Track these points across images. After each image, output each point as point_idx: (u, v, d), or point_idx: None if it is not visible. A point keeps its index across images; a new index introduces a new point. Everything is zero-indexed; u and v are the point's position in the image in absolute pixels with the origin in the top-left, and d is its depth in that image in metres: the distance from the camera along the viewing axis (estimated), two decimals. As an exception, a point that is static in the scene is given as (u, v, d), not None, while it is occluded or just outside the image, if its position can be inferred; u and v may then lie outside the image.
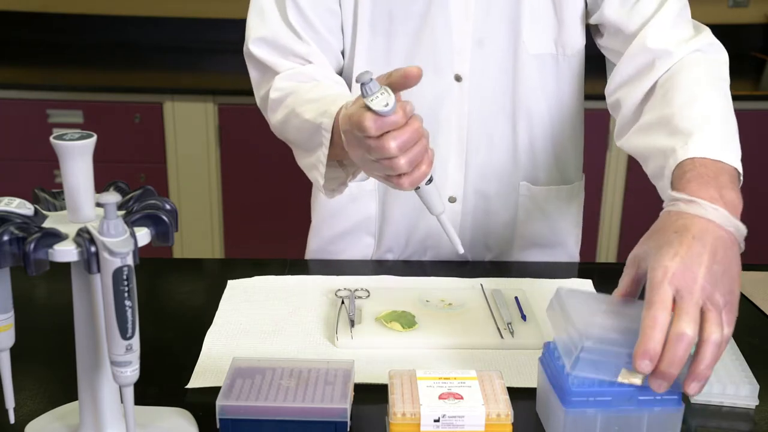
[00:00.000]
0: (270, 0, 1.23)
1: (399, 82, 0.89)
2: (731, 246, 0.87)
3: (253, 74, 1.28)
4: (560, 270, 1.36)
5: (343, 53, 1.28)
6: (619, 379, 0.82)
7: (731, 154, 0.97)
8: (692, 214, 0.86)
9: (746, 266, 1.30)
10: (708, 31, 1.16)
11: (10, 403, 0.81)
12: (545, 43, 1.25)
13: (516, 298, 1.16)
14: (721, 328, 0.79)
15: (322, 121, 1.07)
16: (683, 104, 1.02)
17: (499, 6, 1.23)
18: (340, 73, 1.28)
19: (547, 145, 1.31)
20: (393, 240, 1.37)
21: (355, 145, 0.94)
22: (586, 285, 1.24)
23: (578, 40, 1.26)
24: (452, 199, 1.31)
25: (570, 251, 1.43)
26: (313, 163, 1.12)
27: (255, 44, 1.24)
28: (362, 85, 0.87)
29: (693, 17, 1.19)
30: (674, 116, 1.01)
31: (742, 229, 0.90)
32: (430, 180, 0.97)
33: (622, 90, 1.16)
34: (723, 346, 0.79)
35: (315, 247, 1.43)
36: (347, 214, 1.37)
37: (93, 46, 3.28)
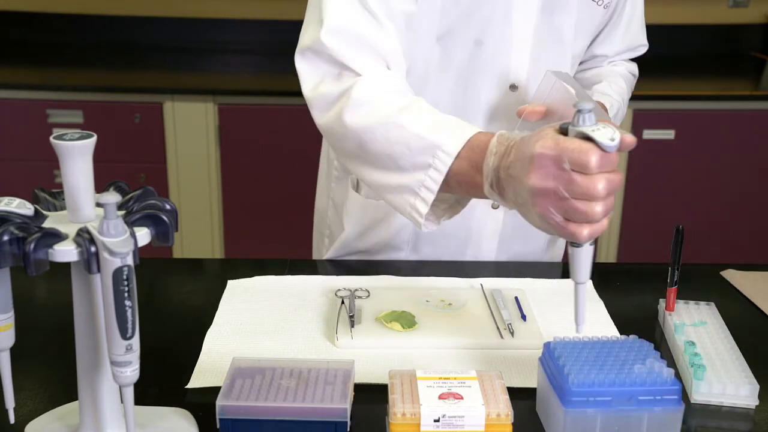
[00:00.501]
0: None
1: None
2: None
3: (311, 68, 1.12)
4: (562, 270, 1.36)
5: None
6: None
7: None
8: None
9: (746, 266, 1.31)
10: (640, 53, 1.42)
11: (10, 403, 0.81)
12: (579, 52, 1.32)
13: (516, 298, 1.16)
14: None
15: (445, 142, 0.96)
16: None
17: (554, 21, 1.23)
18: None
19: None
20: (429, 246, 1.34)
21: (547, 175, 0.82)
22: (586, 285, 1.24)
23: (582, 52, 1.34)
24: (495, 206, 1.31)
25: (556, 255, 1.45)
26: (409, 186, 0.99)
27: (328, 33, 1.08)
28: (579, 111, 0.80)
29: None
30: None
31: None
32: (594, 242, 0.87)
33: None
34: None
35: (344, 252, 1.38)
36: (382, 226, 1.33)
37: (93, 46, 3.28)
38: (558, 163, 0.81)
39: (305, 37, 1.12)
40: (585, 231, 0.82)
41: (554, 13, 1.22)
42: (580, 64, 1.37)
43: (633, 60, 1.42)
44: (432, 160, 0.96)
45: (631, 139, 0.82)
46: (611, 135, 0.79)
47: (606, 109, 1.22)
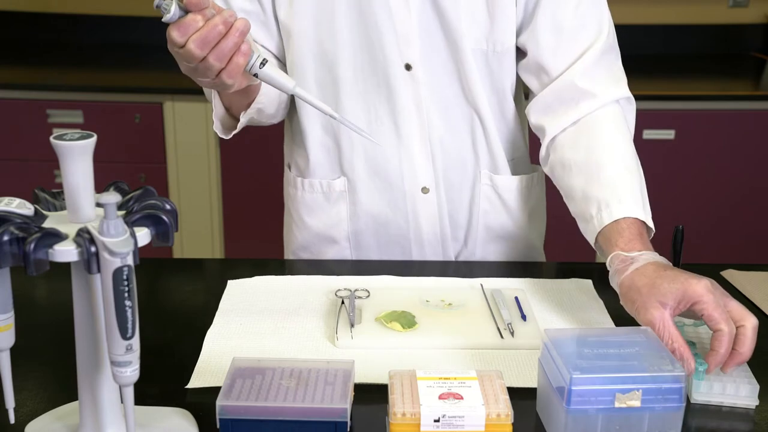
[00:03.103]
0: None
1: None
2: None
3: None
4: (562, 270, 1.36)
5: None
6: (617, 404, 0.83)
7: (647, 215, 1.14)
8: (659, 262, 1.04)
9: (746, 266, 1.31)
10: (625, 81, 1.28)
11: (10, 403, 0.81)
12: (478, 39, 1.26)
13: (516, 298, 1.16)
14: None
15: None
16: (607, 159, 1.19)
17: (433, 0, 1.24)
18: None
19: (495, 135, 1.33)
20: (365, 240, 1.38)
21: (179, 60, 1.03)
22: (586, 285, 1.24)
23: (509, 38, 1.28)
24: (425, 190, 1.33)
25: (533, 245, 1.44)
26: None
27: None
28: (156, 6, 0.95)
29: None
30: (602, 168, 1.18)
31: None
32: (264, 63, 1.01)
33: (546, 117, 1.27)
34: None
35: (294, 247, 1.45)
36: (321, 214, 1.39)
37: (93, 46, 3.28)
38: (173, 53, 1.02)
39: None
40: (223, 76, 1.01)
41: None
42: (558, 86, 1.26)
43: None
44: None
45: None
46: (171, 10, 0.95)
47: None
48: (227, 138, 1.28)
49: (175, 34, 0.97)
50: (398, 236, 1.36)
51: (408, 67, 1.26)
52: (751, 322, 0.95)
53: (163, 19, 0.96)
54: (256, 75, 1.02)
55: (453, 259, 1.39)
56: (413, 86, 1.27)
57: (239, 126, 1.26)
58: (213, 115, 1.24)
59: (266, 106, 1.26)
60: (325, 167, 1.35)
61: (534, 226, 1.43)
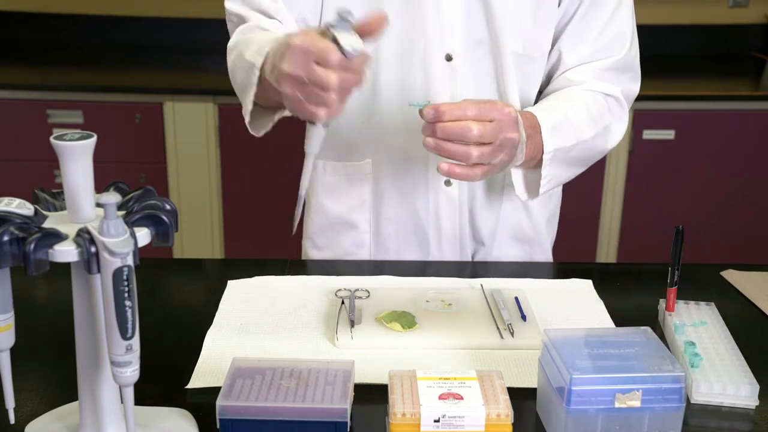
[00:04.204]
0: None
1: (364, 28, 0.95)
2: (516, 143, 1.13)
3: (230, 30, 1.29)
4: (562, 270, 1.36)
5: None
6: (617, 405, 0.83)
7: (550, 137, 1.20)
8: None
9: (746, 266, 1.31)
10: (630, 99, 1.34)
11: (10, 403, 0.81)
12: (518, 41, 1.27)
13: (516, 298, 1.16)
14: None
15: (256, 60, 1.09)
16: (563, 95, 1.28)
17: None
18: None
19: None
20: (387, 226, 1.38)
21: (295, 63, 0.96)
22: (586, 285, 1.24)
23: (545, 44, 1.29)
24: (448, 183, 1.32)
25: (546, 249, 1.44)
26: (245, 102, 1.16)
27: (228, 1, 1.28)
28: (339, 16, 0.93)
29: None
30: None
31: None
32: (327, 125, 1.01)
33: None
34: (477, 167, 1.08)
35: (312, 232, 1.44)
36: (344, 197, 1.38)
37: (93, 46, 3.28)
38: (306, 55, 0.94)
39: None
40: (322, 112, 0.97)
41: None
42: (553, 79, 1.33)
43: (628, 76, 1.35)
44: (252, 78, 1.11)
45: (383, 16, 0.95)
46: (354, 45, 0.93)
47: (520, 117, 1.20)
48: (258, 136, 1.25)
49: (334, 57, 0.93)
50: (417, 227, 1.36)
51: (449, 57, 1.26)
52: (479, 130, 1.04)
53: (340, 40, 0.93)
54: (314, 123, 1.01)
55: (469, 258, 1.38)
56: (451, 77, 1.26)
57: (273, 121, 1.22)
58: (243, 111, 1.19)
59: None
60: (351, 149, 1.35)
61: (549, 231, 1.44)
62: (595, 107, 1.27)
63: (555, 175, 1.23)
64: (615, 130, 1.31)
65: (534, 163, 1.21)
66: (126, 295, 0.72)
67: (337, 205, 1.39)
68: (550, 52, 1.30)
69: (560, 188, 1.45)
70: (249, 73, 1.11)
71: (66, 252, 0.72)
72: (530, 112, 1.21)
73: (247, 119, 1.18)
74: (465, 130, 1.05)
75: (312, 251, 1.44)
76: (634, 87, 1.34)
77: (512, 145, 1.10)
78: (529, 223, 1.39)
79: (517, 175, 1.25)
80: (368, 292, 1.17)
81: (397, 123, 1.23)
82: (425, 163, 1.31)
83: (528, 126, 1.16)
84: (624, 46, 1.30)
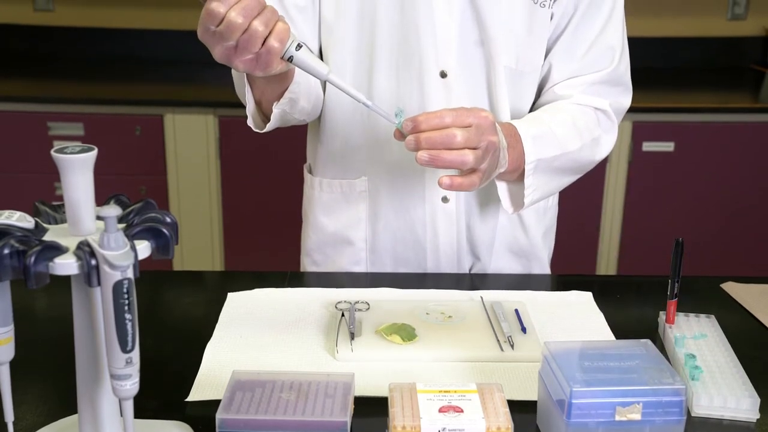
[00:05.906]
0: None
1: None
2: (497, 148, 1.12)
3: None
4: (562, 282, 1.36)
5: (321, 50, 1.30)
6: (617, 418, 0.83)
7: (532, 148, 1.21)
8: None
9: (746, 279, 1.31)
10: (620, 114, 1.35)
11: (9, 416, 0.81)
12: (511, 57, 1.27)
13: (516, 310, 1.16)
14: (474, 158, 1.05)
15: None
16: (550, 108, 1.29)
17: (476, 12, 1.24)
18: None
19: None
20: (383, 243, 1.38)
21: (215, 43, 0.98)
22: (586, 297, 1.24)
23: (538, 59, 1.29)
24: (445, 199, 1.32)
25: (543, 264, 1.45)
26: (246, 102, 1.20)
27: None
28: None
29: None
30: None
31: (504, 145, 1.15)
32: (299, 47, 1.00)
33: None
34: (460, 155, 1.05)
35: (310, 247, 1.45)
36: (340, 215, 1.39)
37: (93, 58, 3.29)
38: (207, 30, 0.97)
39: None
40: (265, 49, 0.98)
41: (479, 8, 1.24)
42: (542, 93, 1.33)
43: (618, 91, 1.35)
44: (244, 79, 1.16)
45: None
46: None
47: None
48: (262, 132, 1.25)
49: (215, 5, 0.95)
50: (414, 243, 1.36)
51: (443, 74, 1.26)
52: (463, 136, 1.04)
53: None
54: (290, 59, 1.00)
55: (467, 271, 1.39)
56: (446, 94, 1.27)
57: (272, 118, 1.21)
58: (246, 110, 1.22)
59: (299, 96, 1.22)
60: (347, 167, 1.35)
61: (546, 245, 1.44)
62: (582, 120, 1.28)
63: (539, 186, 1.23)
64: (604, 142, 1.31)
65: (517, 175, 1.22)
66: (126, 308, 0.72)
67: (334, 222, 1.39)
68: (542, 66, 1.31)
69: (556, 202, 1.45)
70: (240, 74, 1.15)
71: (66, 265, 0.72)
72: (509, 123, 1.21)
73: (249, 120, 1.21)
74: (450, 137, 1.04)
75: (311, 267, 1.44)
76: (624, 101, 1.34)
77: (495, 148, 1.10)
78: (525, 237, 1.39)
79: (502, 188, 1.25)
80: (368, 304, 1.17)
81: (393, 140, 1.24)
82: (421, 179, 1.31)
83: (508, 135, 1.17)
84: (613, 60, 1.30)
